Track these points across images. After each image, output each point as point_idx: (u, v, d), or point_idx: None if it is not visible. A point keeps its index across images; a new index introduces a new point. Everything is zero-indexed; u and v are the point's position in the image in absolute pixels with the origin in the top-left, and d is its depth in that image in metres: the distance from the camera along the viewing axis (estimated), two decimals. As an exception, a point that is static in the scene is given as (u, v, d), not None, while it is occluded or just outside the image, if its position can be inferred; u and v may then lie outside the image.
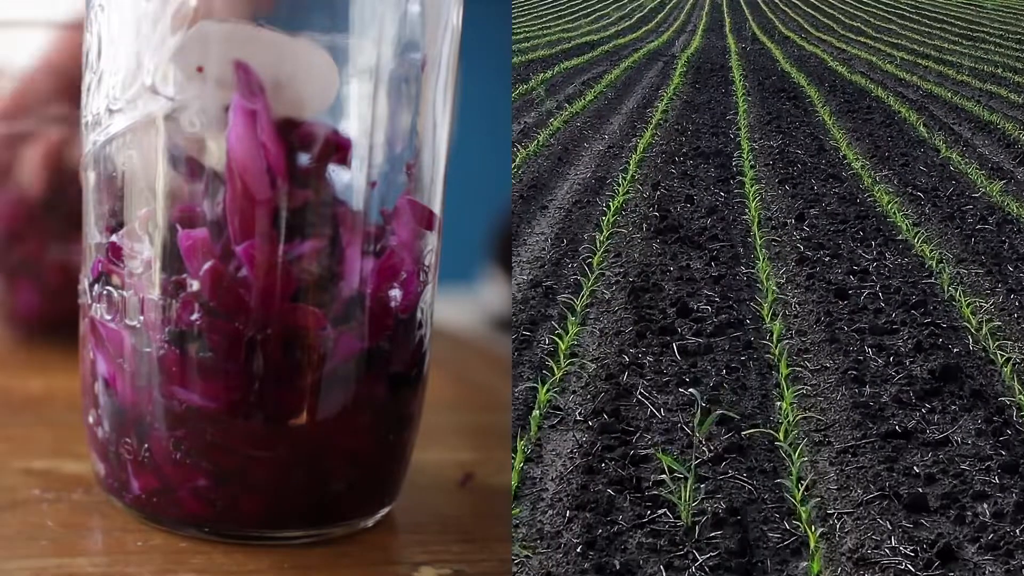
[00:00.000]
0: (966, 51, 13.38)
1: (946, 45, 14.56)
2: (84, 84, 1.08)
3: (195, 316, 1.03)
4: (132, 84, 1.03)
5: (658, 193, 4.68)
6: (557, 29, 16.18)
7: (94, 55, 1.06)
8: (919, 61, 12.18)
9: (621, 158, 5.76)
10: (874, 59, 12.24)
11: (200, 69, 1.01)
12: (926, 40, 15.37)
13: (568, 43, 13.82)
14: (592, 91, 8.68)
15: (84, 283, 1.11)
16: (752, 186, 4.72)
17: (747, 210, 4.36)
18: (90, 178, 1.08)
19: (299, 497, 1.08)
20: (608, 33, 15.92)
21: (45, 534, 1.07)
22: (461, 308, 3.09)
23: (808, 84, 9.27)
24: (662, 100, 8.19)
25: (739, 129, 6.69)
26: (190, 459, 1.05)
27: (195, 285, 1.02)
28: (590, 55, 12.30)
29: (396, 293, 1.09)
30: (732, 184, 4.96)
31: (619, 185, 4.86)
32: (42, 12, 1.55)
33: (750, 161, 5.47)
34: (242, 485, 1.06)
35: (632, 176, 5.11)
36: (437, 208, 1.13)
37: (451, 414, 1.52)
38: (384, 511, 1.16)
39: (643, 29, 16.86)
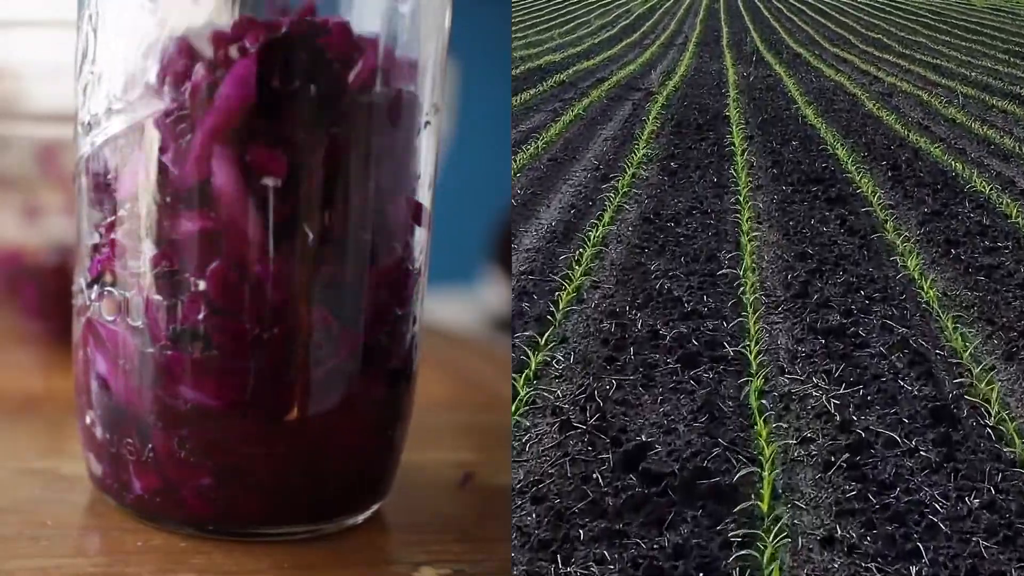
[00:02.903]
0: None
1: (1001, 68, 10.63)
2: (81, 84, 1.08)
3: (200, 315, 1.03)
4: (132, 85, 1.03)
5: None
6: (518, 45, 12.06)
7: (93, 55, 1.06)
8: (987, 99, 8.03)
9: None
10: (924, 96, 8.12)
11: (200, 69, 1.01)
12: (971, 60, 11.51)
13: (514, 69, 9.33)
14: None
15: (80, 283, 1.11)
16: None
17: None
18: (89, 178, 1.08)
19: (300, 493, 1.08)
20: (579, 49, 11.78)
21: (45, 534, 1.07)
22: (461, 308, 3.09)
23: (851, 160, 5.20)
24: (609, 206, 4.12)
25: (747, 299, 2.91)
26: (194, 458, 1.05)
27: (200, 284, 1.03)
28: (535, 90, 7.98)
29: (392, 290, 1.09)
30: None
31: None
32: (42, 12, 1.55)
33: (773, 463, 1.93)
34: (244, 482, 1.06)
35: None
36: (427, 202, 1.13)
37: (451, 414, 1.52)
38: (376, 506, 1.16)
39: (624, 43, 12.90)
